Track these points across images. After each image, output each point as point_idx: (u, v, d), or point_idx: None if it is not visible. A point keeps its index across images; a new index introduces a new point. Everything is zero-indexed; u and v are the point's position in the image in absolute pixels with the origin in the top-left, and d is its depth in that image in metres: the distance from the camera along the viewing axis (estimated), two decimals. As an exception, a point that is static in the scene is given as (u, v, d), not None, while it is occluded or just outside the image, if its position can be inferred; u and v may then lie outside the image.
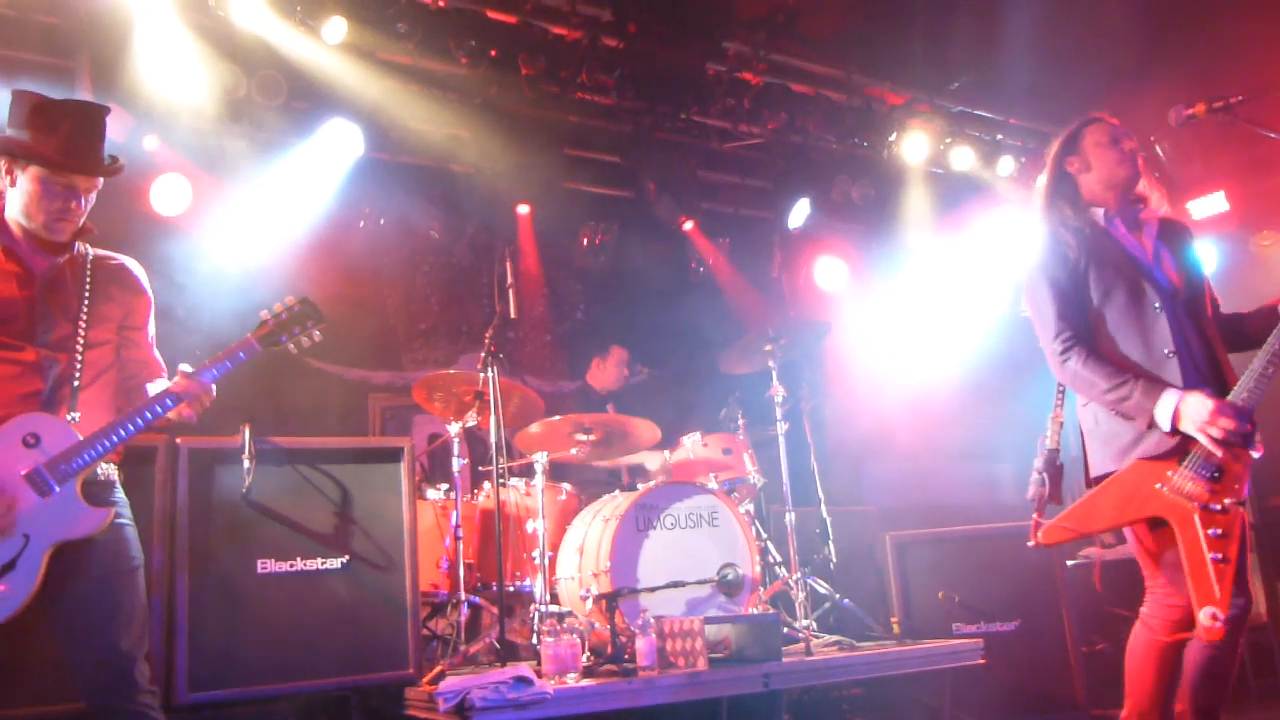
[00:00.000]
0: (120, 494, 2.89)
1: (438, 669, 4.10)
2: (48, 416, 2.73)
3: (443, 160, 6.61)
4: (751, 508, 5.42)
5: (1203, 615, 2.74)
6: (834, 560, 5.39)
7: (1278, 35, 5.91)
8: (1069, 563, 5.30)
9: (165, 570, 3.68)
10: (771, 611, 4.66)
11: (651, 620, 4.03)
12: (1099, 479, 3.07)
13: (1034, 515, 3.10)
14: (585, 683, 3.81)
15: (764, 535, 5.37)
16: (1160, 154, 7.42)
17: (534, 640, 4.44)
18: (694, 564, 4.54)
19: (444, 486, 5.11)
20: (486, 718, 3.41)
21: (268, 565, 3.83)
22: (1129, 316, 3.06)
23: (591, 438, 5.07)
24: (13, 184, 2.84)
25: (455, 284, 7.33)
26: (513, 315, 4.87)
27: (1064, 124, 3.36)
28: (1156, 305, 3.04)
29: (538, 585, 4.72)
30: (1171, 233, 3.25)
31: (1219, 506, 2.83)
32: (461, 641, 4.54)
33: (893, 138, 7.07)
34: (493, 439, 4.57)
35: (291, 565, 3.87)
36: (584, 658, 4.13)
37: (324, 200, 6.23)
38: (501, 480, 4.71)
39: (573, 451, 5.08)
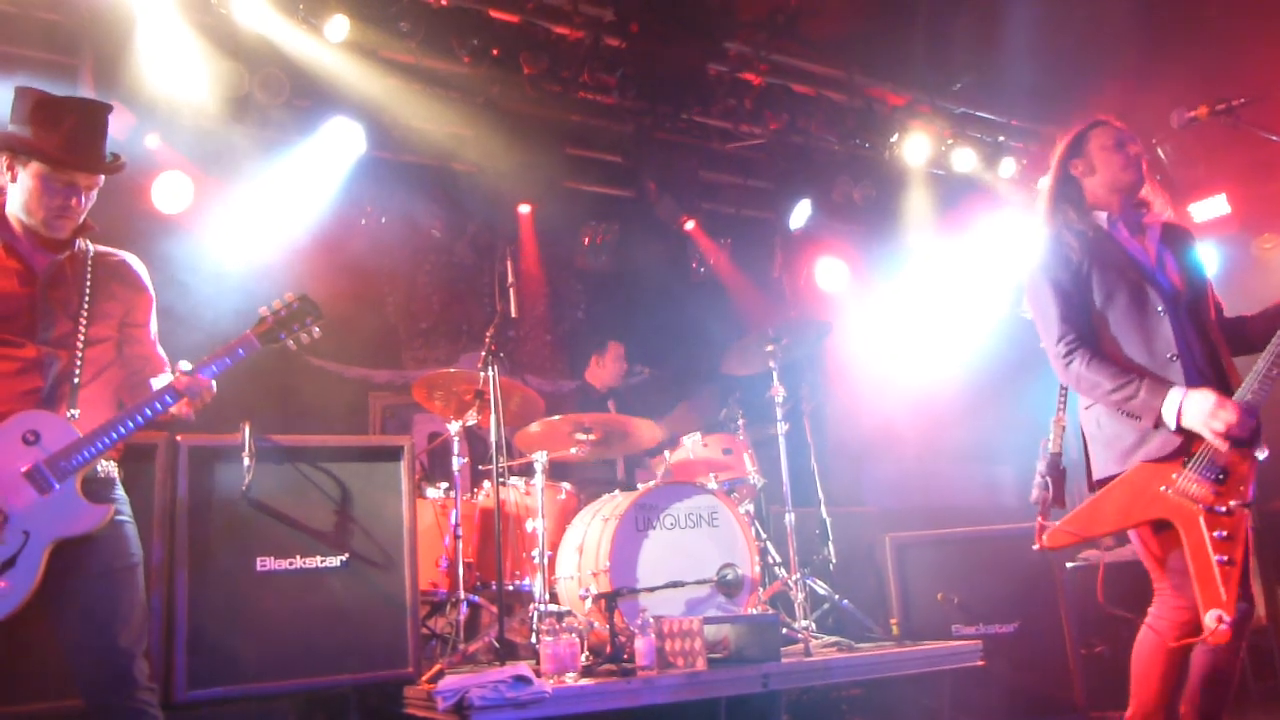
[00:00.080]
0: (120, 491, 2.88)
1: (436, 668, 4.10)
2: (48, 414, 2.73)
3: (444, 159, 6.61)
4: (751, 508, 5.42)
5: (1209, 618, 2.74)
6: (833, 561, 5.39)
7: (1280, 37, 5.91)
8: (1068, 565, 5.29)
9: (165, 567, 3.68)
10: (771, 612, 4.66)
11: (651, 620, 4.03)
12: (1101, 482, 3.07)
13: (1038, 519, 3.09)
14: (584, 682, 3.81)
15: (763, 536, 5.37)
16: (1162, 156, 7.42)
17: (533, 639, 4.44)
18: (693, 564, 4.54)
19: (444, 485, 5.11)
20: (485, 717, 3.41)
21: (267, 563, 3.83)
22: (1131, 320, 3.06)
23: (591, 437, 5.08)
24: (14, 180, 2.84)
25: (456, 283, 7.33)
26: (513, 314, 4.87)
27: (1065, 126, 3.36)
28: (1159, 309, 3.04)
29: (537, 584, 4.72)
30: (1174, 237, 3.25)
31: (1224, 508, 2.83)
32: (460, 640, 4.55)
33: (894, 139, 7.07)
34: (493, 438, 4.58)
35: (291, 563, 3.87)
36: (583, 657, 4.13)
37: (326, 198, 6.24)
38: (501, 479, 4.71)
39: (572, 451, 5.09)
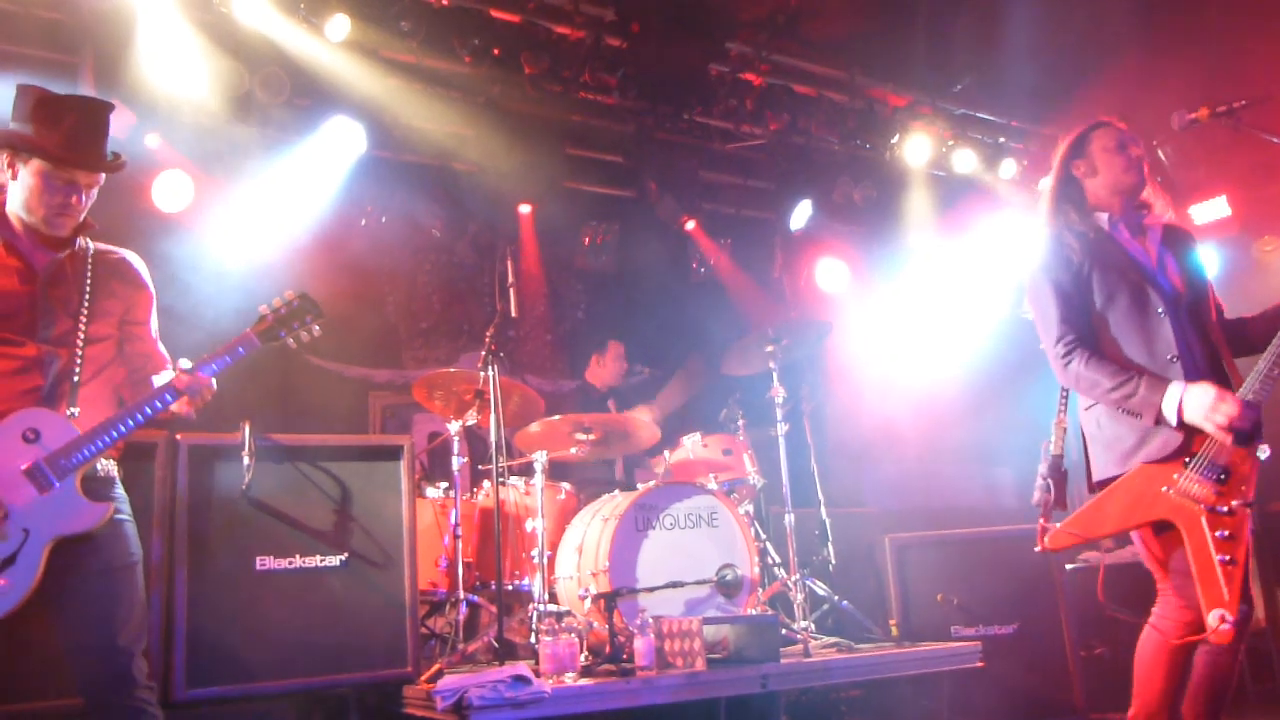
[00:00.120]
0: (120, 489, 2.89)
1: (436, 667, 4.11)
2: (48, 412, 2.73)
3: (445, 159, 6.61)
4: (751, 508, 5.42)
5: (1211, 617, 2.74)
6: (833, 562, 5.39)
7: (1282, 40, 5.91)
8: (1068, 566, 5.29)
9: (164, 566, 3.68)
10: (770, 613, 4.67)
11: (650, 620, 4.03)
12: (1101, 483, 3.07)
13: (1040, 521, 3.09)
14: (583, 682, 3.81)
15: (763, 536, 5.37)
16: (1163, 158, 7.42)
17: (532, 639, 4.44)
18: (693, 564, 4.54)
19: (443, 485, 5.11)
20: (484, 716, 3.41)
21: (266, 562, 3.83)
22: (1132, 321, 3.06)
23: (591, 437, 5.07)
24: (14, 177, 2.84)
25: (457, 283, 7.33)
26: (514, 314, 4.87)
27: (1066, 127, 3.35)
28: (1160, 310, 3.04)
29: (536, 584, 4.72)
30: (1175, 238, 3.26)
31: (1226, 508, 2.83)
32: (460, 640, 4.54)
33: (895, 140, 7.07)
34: (493, 438, 4.57)
35: (290, 562, 3.87)
36: (582, 657, 4.13)
37: (326, 198, 6.23)
38: (501, 479, 4.71)
39: (572, 451, 5.09)
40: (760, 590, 4.82)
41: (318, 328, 3.10)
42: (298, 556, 3.89)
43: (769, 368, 5.43)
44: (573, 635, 3.91)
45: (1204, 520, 2.83)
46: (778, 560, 5.37)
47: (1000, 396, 7.03)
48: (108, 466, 2.85)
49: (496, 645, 4.19)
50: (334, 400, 6.46)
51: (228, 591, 3.75)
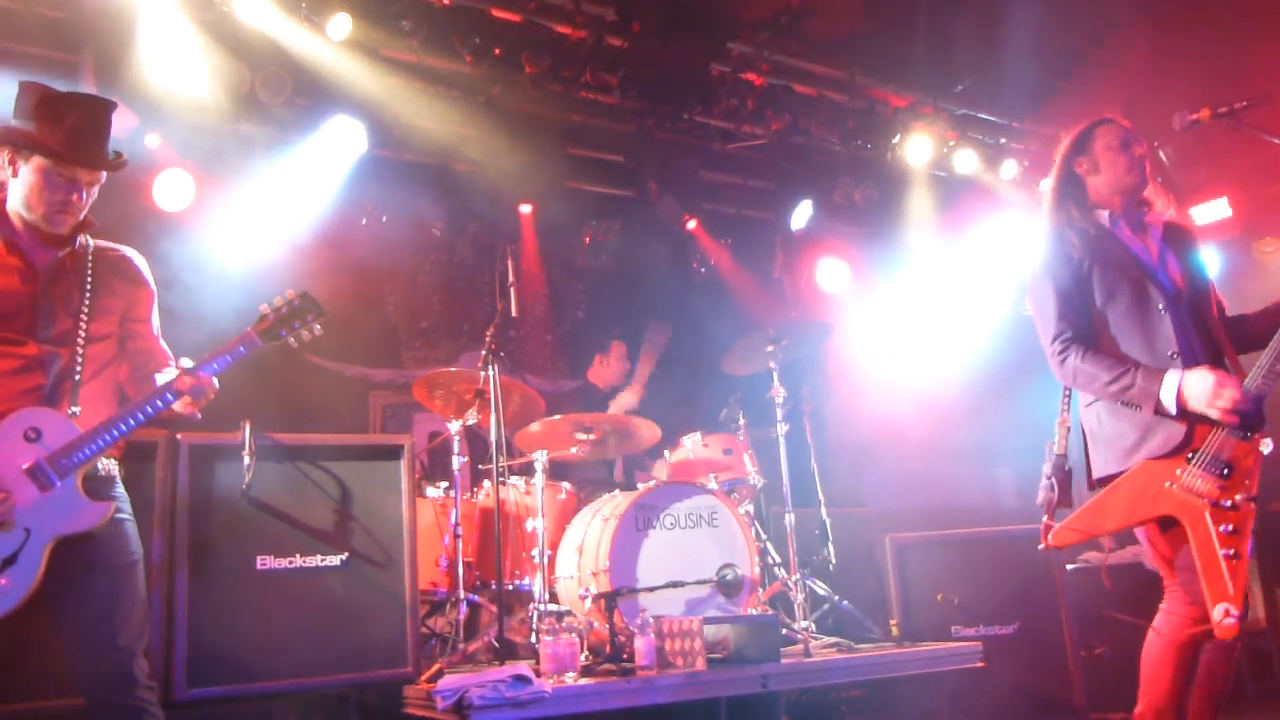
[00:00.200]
0: (121, 489, 2.89)
1: (436, 667, 4.10)
2: (49, 411, 2.73)
3: (446, 158, 6.61)
4: (751, 508, 5.42)
5: (1217, 612, 2.74)
6: (833, 562, 5.39)
7: (1283, 40, 5.91)
8: (1069, 567, 5.29)
9: (165, 565, 3.68)
10: (770, 612, 4.67)
11: (650, 620, 4.03)
12: (1101, 481, 3.07)
13: (1044, 519, 3.09)
14: (583, 682, 3.81)
15: (763, 536, 5.37)
16: (1164, 159, 7.42)
17: (533, 639, 4.44)
18: (693, 564, 4.54)
19: (444, 484, 5.11)
20: (484, 716, 3.41)
21: (267, 561, 3.83)
22: (1133, 318, 3.06)
23: (591, 437, 5.08)
24: (15, 175, 2.84)
25: (457, 282, 7.33)
26: (514, 314, 4.87)
27: (1067, 127, 3.35)
28: (1160, 307, 3.04)
29: (537, 584, 4.72)
30: (1176, 236, 3.26)
31: (1229, 503, 2.83)
32: (460, 640, 4.54)
33: (896, 140, 7.07)
34: (493, 437, 4.57)
35: (291, 562, 3.87)
36: (582, 657, 4.13)
37: (327, 197, 6.23)
38: (501, 479, 4.71)
39: (573, 450, 5.09)
40: (761, 590, 4.82)
41: (319, 327, 3.10)
42: (298, 556, 3.89)
43: (769, 367, 5.43)
44: (573, 635, 3.91)
45: (1208, 515, 2.82)
46: (778, 560, 5.37)
47: (1001, 396, 7.03)
48: (109, 466, 2.85)
49: (497, 645, 4.19)
50: (334, 399, 6.46)
51: (228, 591, 3.75)
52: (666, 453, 5.50)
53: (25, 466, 2.66)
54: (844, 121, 6.89)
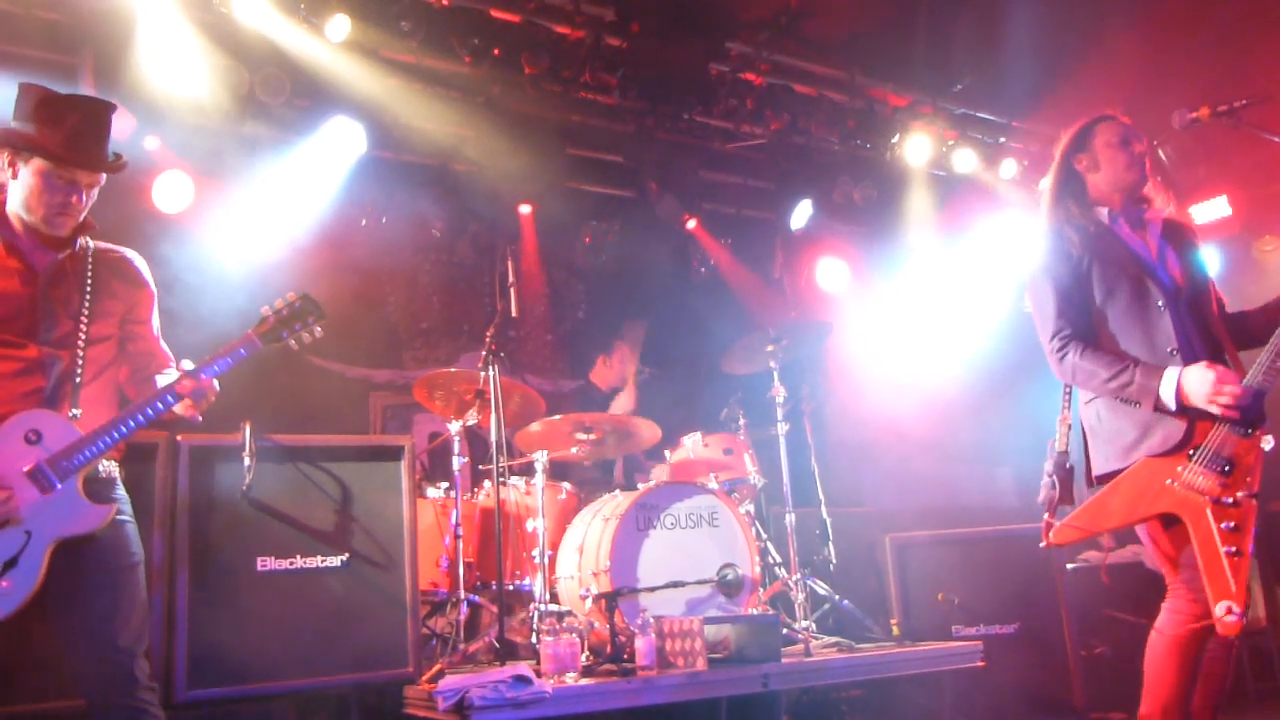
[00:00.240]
0: (121, 491, 2.89)
1: (437, 667, 4.11)
2: (49, 413, 2.73)
3: (445, 159, 6.61)
4: (752, 508, 5.42)
5: (1219, 609, 2.74)
6: (834, 561, 5.39)
7: (1283, 40, 5.91)
8: (1069, 566, 5.30)
9: (165, 567, 3.68)
10: (771, 612, 4.66)
11: (651, 620, 4.03)
12: (1102, 478, 3.07)
13: (1045, 517, 3.10)
14: (584, 682, 3.82)
15: (764, 536, 5.37)
16: (1163, 158, 7.42)
17: (533, 639, 4.44)
18: (694, 564, 4.54)
19: (444, 485, 5.11)
20: (485, 716, 3.41)
21: (267, 563, 3.83)
22: (1132, 315, 3.06)
23: (591, 437, 5.08)
24: (14, 176, 2.84)
25: (457, 283, 7.33)
26: (514, 314, 4.87)
27: (1067, 125, 3.35)
28: (1160, 304, 3.04)
29: (537, 584, 4.72)
30: (1175, 233, 3.26)
31: (1231, 500, 2.83)
32: (461, 640, 4.54)
33: (895, 139, 7.07)
34: (493, 438, 4.58)
35: (291, 563, 3.87)
36: (583, 657, 4.13)
37: (327, 198, 6.23)
38: (501, 479, 4.71)
39: (573, 451, 5.09)
40: (761, 590, 4.82)
41: (320, 328, 3.10)
42: (299, 557, 3.89)
43: (770, 367, 5.44)
44: (574, 635, 3.92)
45: (1209, 512, 2.82)
46: (778, 560, 5.37)
47: (1001, 395, 7.03)
48: (109, 468, 2.85)
49: (497, 645, 4.20)
50: (335, 400, 6.47)
51: (229, 592, 3.75)
52: (667, 453, 5.50)
53: (26, 469, 2.66)
54: (843, 121, 6.89)
